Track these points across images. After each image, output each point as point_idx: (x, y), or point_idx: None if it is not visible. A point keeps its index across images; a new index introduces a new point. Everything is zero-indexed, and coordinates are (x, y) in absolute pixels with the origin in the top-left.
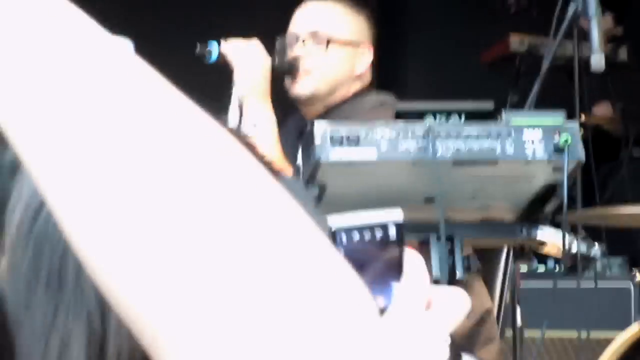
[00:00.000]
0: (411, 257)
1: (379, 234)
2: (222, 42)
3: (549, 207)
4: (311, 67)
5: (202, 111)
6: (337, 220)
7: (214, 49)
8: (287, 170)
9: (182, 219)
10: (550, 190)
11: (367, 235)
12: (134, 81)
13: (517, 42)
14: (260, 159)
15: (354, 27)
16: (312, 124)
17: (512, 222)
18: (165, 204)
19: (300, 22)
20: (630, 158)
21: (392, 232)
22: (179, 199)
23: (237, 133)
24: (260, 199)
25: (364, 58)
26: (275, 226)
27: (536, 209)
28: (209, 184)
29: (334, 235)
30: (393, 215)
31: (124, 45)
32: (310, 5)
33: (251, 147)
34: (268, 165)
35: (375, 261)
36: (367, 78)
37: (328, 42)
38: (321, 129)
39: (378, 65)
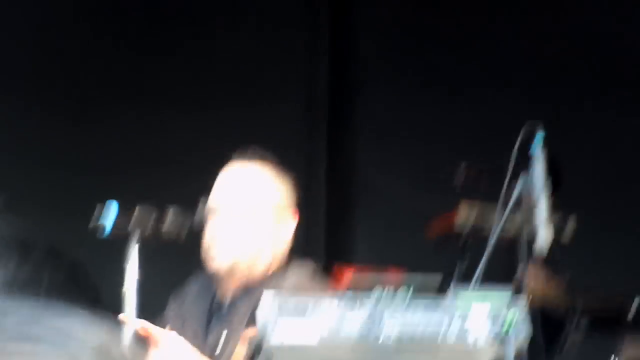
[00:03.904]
0: None
1: None
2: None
3: None
4: (232, 237)
5: None
6: None
7: (107, 222)
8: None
9: None
10: None
11: None
12: None
13: (464, 214)
14: None
15: (279, 194)
16: (235, 298)
17: None
18: None
19: (224, 187)
20: (576, 330)
21: None
22: None
23: None
24: None
25: (288, 226)
26: None
27: None
28: None
29: None
30: None
31: None
32: (235, 169)
33: None
34: None
35: None
36: (290, 245)
37: (251, 209)
38: (270, 299)
39: (326, 234)
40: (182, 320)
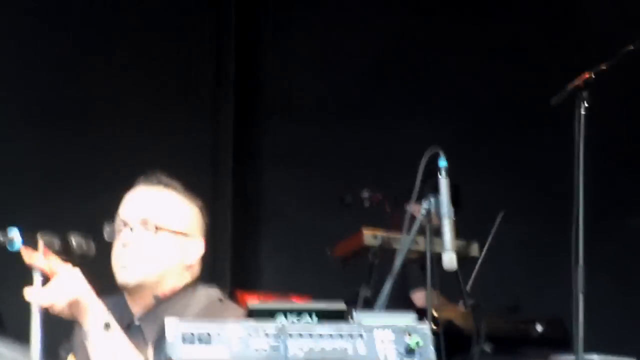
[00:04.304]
0: None
1: None
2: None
3: None
4: (139, 255)
5: None
6: None
7: (16, 237)
8: None
9: None
10: None
11: None
12: None
13: (370, 236)
14: None
15: (186, 217)
16: (142, 319)
17: None
18: None
19: (130, 207)
20: (481, 353)
21: None
22: None
23: None
24: None
25: (195, 249)
26: None
27: None
28: None
29: None
30: None
31: None
32: (141, 191)
33: None
34: None
35: None
36: (197, 269)
37: (157, 229)
38: (173, 326)
39: (232, 260)
40: None
